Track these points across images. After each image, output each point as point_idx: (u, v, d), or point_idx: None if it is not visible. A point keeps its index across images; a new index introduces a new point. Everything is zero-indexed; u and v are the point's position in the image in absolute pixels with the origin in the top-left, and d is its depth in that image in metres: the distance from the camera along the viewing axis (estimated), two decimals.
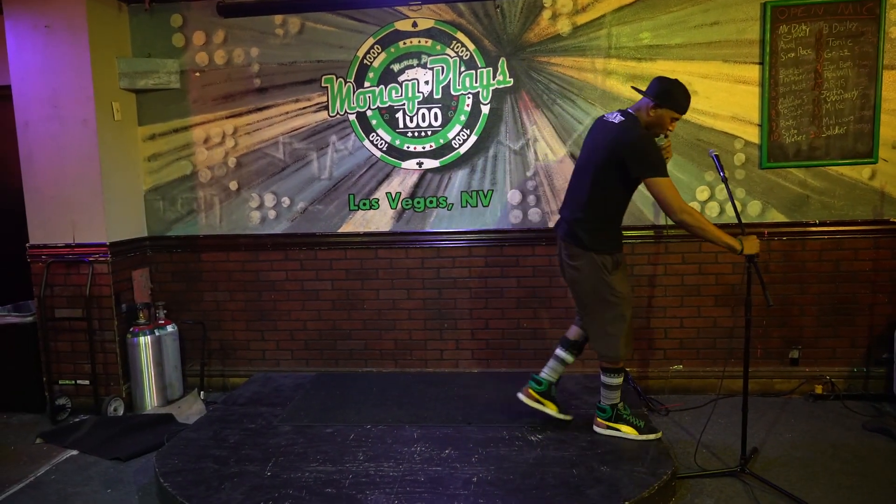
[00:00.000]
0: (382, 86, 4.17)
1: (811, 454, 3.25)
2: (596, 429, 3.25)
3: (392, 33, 4.12)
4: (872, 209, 3.90)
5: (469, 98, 4.11)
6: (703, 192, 4.00)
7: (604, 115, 3.18)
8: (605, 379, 3.19)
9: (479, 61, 4.08)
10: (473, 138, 4.14)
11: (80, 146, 3.99)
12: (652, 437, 3.17)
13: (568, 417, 3.37)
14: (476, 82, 4.10)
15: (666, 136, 3.12)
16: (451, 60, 4.10)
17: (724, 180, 3.03)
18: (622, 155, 2.92)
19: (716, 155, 3.13)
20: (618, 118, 3.04)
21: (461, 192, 4.19)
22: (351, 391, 3.97)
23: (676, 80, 3.01)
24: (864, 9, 3.76)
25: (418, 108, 4.16)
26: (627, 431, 3.19)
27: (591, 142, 3.15)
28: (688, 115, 3.92)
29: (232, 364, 4.53)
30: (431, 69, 4.12)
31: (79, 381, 4.16)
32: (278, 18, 4.18)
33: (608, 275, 3.04)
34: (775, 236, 3.98)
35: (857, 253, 3.95)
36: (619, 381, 3.18)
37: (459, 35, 4.07)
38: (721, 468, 3.08)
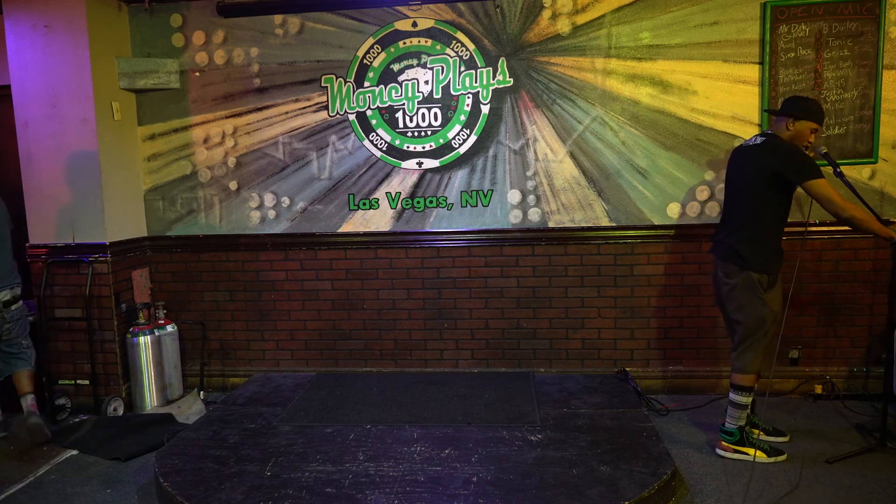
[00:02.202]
0: (382, 86, 4.17)
1: (812, 454, 3.25)
2: (720, 452, 3.25)
3: (392, 33, 4.12)
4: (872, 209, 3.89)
5: (469, 98, 4.11)
6: (702, 192, 4.00)
7: (742, 143, 3.33)
8: (733, 396, 3.19)
9: (478, 61, 4.08)
10: (473, 138, 4.14)
11: (79, 146, 3.99)
12: (781, 458, 3.17)
13: (784, 438, 3.41)
14: (476, 82, 4.10)
15: (806, 149, 3.15)
16: (450, 60, 4.10)
17: (840, 175, 3.15)
18: (778, 167, 3.05)
19: (825, 153, 3.24)
20: (759, 140, 3.19)
21: (461, 191, 4.19)
22: (351, 391, 3.97)
23: (808, 97, 3.25)
24: (864, 9, 3.76)
25: (418, 108, 4.16)
26: (758, 455, 3.15)
27: (736, 168, 3.29)
28: (687, 115, 3.95)
29: (232, 364, 4.53)
30: (431, 69, 4.12)
31: (79, 381, 4.16)
32: (278, 18, 4.18)
33: (763, 292, 3.11)
34: None
35: (856, 253, 3.95)
36: (747, 400, 3.17)
37: (459, 35, 4.07)
38: (861, 447, 3.27)
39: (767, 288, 3.12)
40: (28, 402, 3.64)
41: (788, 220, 3.22)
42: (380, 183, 4.25)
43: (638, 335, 4.18)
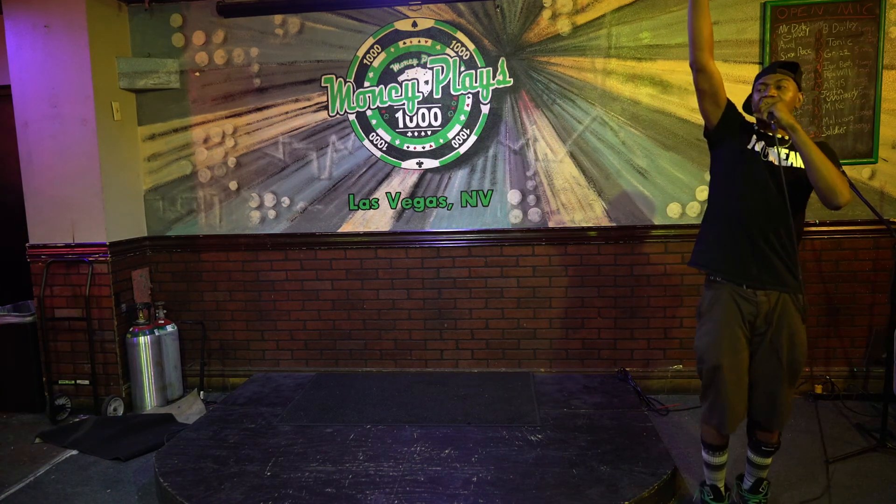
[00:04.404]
0: (382, 85, 4.17)
1: (812, 454, 3.25)
2: None
3: (392, 33, 4.12)
4: None
5: (469, 98, 4.11)
6: (702, 192, 4.00)
7: None
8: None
9: (478, 61, 4.08)
10: (473, 138, 4.14)
11: (79, 146, 3.99)
12: None
13: None
14: (476, 82, 4.10)
15: (763, 109, 2.39)
16: (450, 60, 4.10)
17: (842, 174, 3.04)
18: None
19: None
20: None
21: (461, 191, 4.19)
22: (351, 391, 3.97)
23: None
24: (864, 9, 3.77)
25: (418, 108, 4.16)
26: None
27: None
28: (687, 115, 3.95)
29: (232, 364, 4.53)
30: (431, 69, 4.12)
31: (78, 381, 4.16)
32: (278, 18, 4.17)
33: (703, 312, 2.59)
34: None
35: (856, 253, 3.95)
36: (708, 458, 2.62)
37: (459, 35, 4.07)
38: (861, 447, 3.24)
39: (705, 307, 2.57)
40: None
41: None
42: (380, 183, 4.25)
43: (638, 335, 4.18)
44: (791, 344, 2.42)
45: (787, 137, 2.40)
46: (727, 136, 2.50)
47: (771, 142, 2.41)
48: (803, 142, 2.25)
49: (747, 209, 2.40)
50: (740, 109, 2.56)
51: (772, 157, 2.41)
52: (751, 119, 2.53)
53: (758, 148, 2.42)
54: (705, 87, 2.44)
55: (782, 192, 2.32)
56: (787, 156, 2.41)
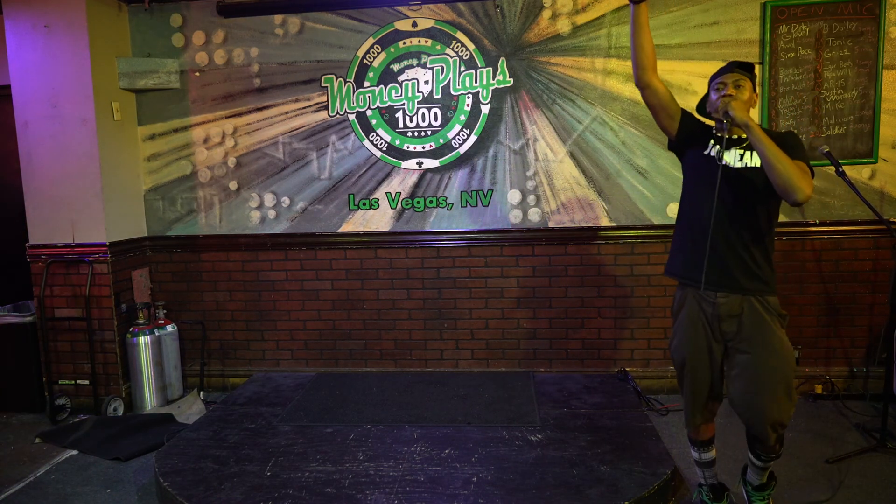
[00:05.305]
0: (382, 85, 4.17)
1: (811, 454, 3.25)
2: None
3: (392, 33, 4.12)
4: None
5: (469, 98, 4.11)
6: None
7: None
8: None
9: (478, 61, 4.08)
10: (473, 138, 4.14)
11: (79, 146, 3.99)
12: None
13: None
14: (476, 82, 4.10)
15: (719, 108, 2.38)
16: (450, 60, 4.10)
17: (842, 174, 3.04)
18: None
19: (827, 151, 3.06)
20: None
21: (461, 191, 4.19)
22: (351, 391, 3.97)
23: None
24: (864, 9, 3.77)
25: (418, 108, 4.16)
26: None
27: None
28: None
29: (232, 364, 4.53)
30: (431, 69, 4.12)
31: (78, 381, 4.16)
32: (278, 18, 4.18)
33: (672, 313, 2.61)
34: (775, 236, 3.97)
35: (856, 253, 3.95)
36: (693, 454, 2.70)
37: (459, 35, 4.07)
38: (861, 447, 3.24)
39: (675, 309, 2.58)
40: None
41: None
42: (380, 183, 4.25)
43: (638, 335, 4.18)
44: (764, 349, 2.35)
45: (743, 136, 2.38)
46: (688, 145, 2.54)
47: (726, 143, 2.39)
48: (758, 139, 2.22)
49: (706, 214, 2.38)
50: (696, 115, 2.60)
51: (727, 159, 2.40)
52: (710, 122, 2.54)
53: (713, 152, 2.43)
54: (654, 102, 2.51)
55: (739, 195, 2.34)
56: (742, 156, 2.39)
